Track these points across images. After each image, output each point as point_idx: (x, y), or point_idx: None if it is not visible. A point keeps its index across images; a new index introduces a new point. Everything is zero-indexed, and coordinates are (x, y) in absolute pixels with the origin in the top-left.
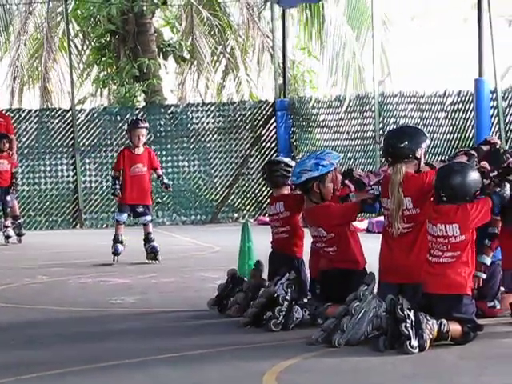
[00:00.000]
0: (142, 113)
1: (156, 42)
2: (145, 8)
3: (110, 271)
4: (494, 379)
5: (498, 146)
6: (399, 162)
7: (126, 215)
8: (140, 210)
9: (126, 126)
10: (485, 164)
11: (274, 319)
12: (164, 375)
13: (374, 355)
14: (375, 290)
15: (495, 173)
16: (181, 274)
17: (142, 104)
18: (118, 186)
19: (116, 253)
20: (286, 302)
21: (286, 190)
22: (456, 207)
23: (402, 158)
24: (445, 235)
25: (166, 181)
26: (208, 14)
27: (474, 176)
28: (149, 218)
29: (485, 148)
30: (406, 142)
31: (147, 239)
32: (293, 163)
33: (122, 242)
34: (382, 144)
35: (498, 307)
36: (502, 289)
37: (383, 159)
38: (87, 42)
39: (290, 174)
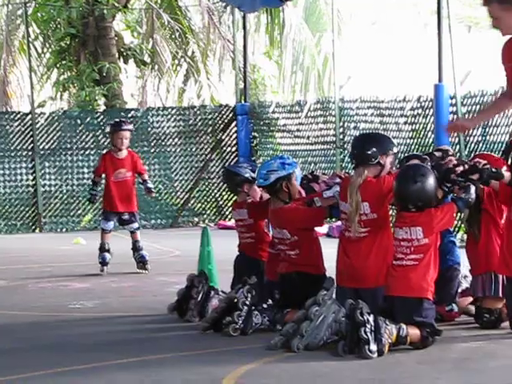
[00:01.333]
0: (102, 116)
1: (116, 45)
2: (105, 12)
3: (69, 275)
4: (451, 383)
5: (450, 153)
6: (362, 166)
7: (112, 223)
8: (126, 217)
9: (107, 129)
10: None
11: (233, 324)
12: (122, 380)
13: (333, 360)
14: (334, 295)
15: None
16: (140, 278)
17: (103, 108)
18: (94, 192)
19: (104, 262)
20: (245, 307)
21: (244, 197)
22: (420, 211)
23: (366, 162)
24: (408, 238)
25: (149, 185)
26: (169, 18)
27: (433, 181)
28: (135, 225)
29: (437, 154)
30: (373, 148)
31: (135, 248)
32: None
33: (109, 251)
34: (351, 147)
35: (456, 311)
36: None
37: (343, 164)
38: (47, 45)
39: (251, 180)
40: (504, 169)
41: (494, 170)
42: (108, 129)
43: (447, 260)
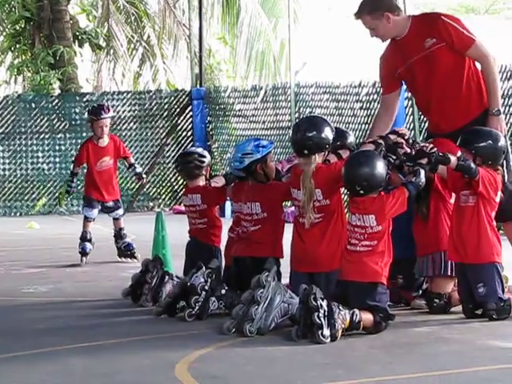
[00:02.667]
0: (57, 100)
1: (71, 29)
2: None
3: (23, 260)
4: (403, 368)
5: (406, 137)
6: (314, 154)
7: (96, 211)
8: (110, 204)
9: (85, 115)
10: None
11: (188, 309)
12: (76, 364)
13: (287, 344)
14: (277, 277)
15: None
16: (95, 262)
17: (58, 92)
18: (74, 185)
19: (84, 252)
20: (203, 292)
21: (202, 181)
22: (372, 198)
23: (320, 149)
24: (362, 225)
25: (138, 170)
26: (124, 2)
27: (381, 164)
28: (120, 211)
29: (392, 137)
30: (326, 132)
31: (119, 236)
32: (206, 153)
33: (90, 241)
34: (296, 136)
35: None
36: None
37: None
38: (1, 29)
39: (204, 165)
40: (458, 153)
41: (441, 154)
42: (86, 115)
43: (414, 246)
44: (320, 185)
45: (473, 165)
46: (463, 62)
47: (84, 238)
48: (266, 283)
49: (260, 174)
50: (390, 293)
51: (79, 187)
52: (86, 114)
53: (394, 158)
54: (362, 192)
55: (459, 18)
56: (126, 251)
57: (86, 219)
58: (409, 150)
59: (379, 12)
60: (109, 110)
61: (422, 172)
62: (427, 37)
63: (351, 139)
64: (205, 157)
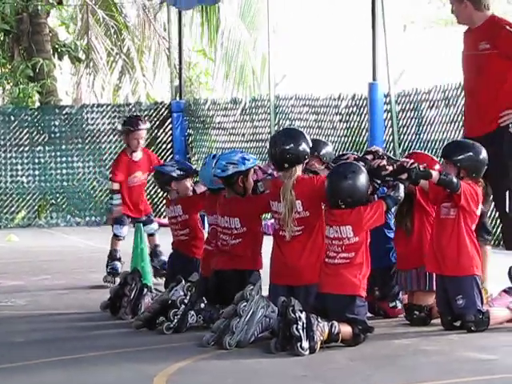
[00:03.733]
0: (36, 113)
1: (51, 42)
2: (40, 8)
3: (1, 272)
4: (382, 380)
5: (380, 154)
6: (294, 166)
7: (126, 228)
8: (143, 219)
9: (119, 126)
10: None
11: (167, 322)
12: (52, 377)
13: (266, 357)
14: (261, 290)
15: (388, 171)
16: (74, 275)
17: (37, 104)
18: (118, 202)
19: (115, 272)
20: (182, 306)
21: (174, 194)
22: (350, 210)
23: (300, 162)
24: (339, 237)
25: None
26: (104, 15)
27: (364, 180)
28: (155, 226)
29: (369, 157)
30: (304, 144)
31: (155, 253)
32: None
33: (120, 260)
34: (274, 150)
35: (400, 307)
36: None
37: None
38: None
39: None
40: (437, 167)
41: (421, 169)
42: (120, 127)
43: (390, 257)
44: (300, 196)
45: (454, 179)
46: (508, 70)
47: (113, 257)
48: (250, 297)
49: (239, 187)
50: (369, 304)
51: (58, 200)
52: (120, 125)
53: (379, 182)
54: (343, 207)
55: None
56: (162, 270)
57: (116, 237)
58: (391, 168)
59: None
60: (145, 121)
61: (402, 187)
62: (484, 40)
63: (329, 149)
64: (162, 174)
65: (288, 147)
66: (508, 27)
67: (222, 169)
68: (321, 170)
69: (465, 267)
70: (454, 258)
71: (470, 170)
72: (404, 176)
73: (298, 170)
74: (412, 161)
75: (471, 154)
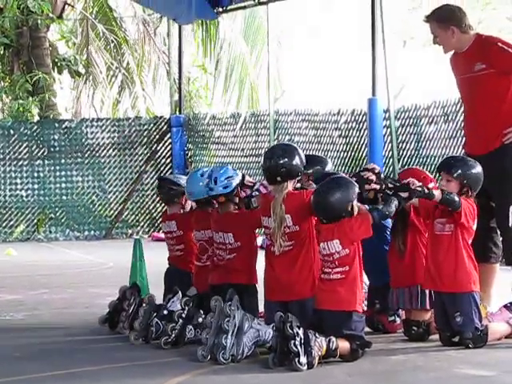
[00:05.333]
0: (35, 127)
1: (51, 56)
2: (39, 21)
3: (0, 286)
4: None
5: (376, 171)
6: (287, 181)
7: None
8: None
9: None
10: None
11: (165, 337)
12: None
13: (264, 372)
14: (238, 305)
15: (372, 187)
16: (72, 290)
17: (36, 118)
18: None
19: None
20: (180, 320)
21: (177, 209)
22: (334, 224)
23: (293, 177)
24: (329, 253)
25: None
26: (104, 29)
27: (339, 193)
28: None
29: (363, 174)
30: (297, 160)
31: None
32: (181, 181)
33: None
34: (269, 163)
35: (398, 322)
36: None
37: None
38: None
39: (175, 192)
40: (431, 185)
41: (425, 191)
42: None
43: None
44: (290, 211)
45: (456, 198)
46: (507, 87)
47: None
48: (231, 312)
49: (239, 198)
50: (368, 319)
51: (57, 214)
52: None
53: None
54: (324, 221)
55: None
56: None
57: None
58: (378, 187)
59: (447, 23)
60: None
61: (394, 203)
62: (478, 60)
63: (329, 167)
64: (177, 185)
65: (282, 161)
66: (499, 43)
67: (225, 185)
68: (308, 186)
69: (462, 283)
70: (450, 274)
71: (473, 186)
72: (404, 194)
73: (290, 185)
74: (420, 184)
75: (476, 170)
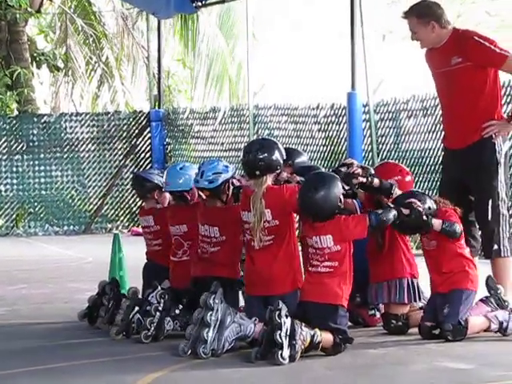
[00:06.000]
0: (14, 121)
1: (29, 50)
2: (18, 16)
3: None
4: None
5: (355, 165)
6: (265, 175)
7: None
8: None
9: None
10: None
11: (144, 331)
12: None
13: (245, 366)
14: (222, 298)
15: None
16: (52, 284)
17: (15, 113)
18: None
19: None
20: (157, 313)
21: (153, 203)
22: (328, 221)
23: (272, 171)
24: (320, 247)
25: None
26: (83, 23)
27: (331, 195)
28: None
29: (343, 169)
30: (277, 154)
31: None
32: (153, 178)
33: None
34: (248, 157)
35: (378, 316)
36: None
37: None
38: None
39: (147, 188)
40: (408, 178)
41: (424, 217)
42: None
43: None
44: (269, 205)
45: (458, 229)
46: (484, 81)
47: None
48: (215, 305)
49: (226, 195)
50: (348, 313)
51: (36, 209)
52: None
53: (348, 188)
54: (313, 220)
55: (493, 39)
56: None
57: None
58: (364, 180)
59: (427, 19)
60: None
61: (393, 213)
62: (455, 54)
63: (303, 159)
64: (149, 181)
65: (261, 156)
66: (475, 37)
67: (211, 180)
68: (293, 180)
69: (459, 282)
70: (450, 277)
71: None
72: (406, 211)
73: (269, 179)
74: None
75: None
